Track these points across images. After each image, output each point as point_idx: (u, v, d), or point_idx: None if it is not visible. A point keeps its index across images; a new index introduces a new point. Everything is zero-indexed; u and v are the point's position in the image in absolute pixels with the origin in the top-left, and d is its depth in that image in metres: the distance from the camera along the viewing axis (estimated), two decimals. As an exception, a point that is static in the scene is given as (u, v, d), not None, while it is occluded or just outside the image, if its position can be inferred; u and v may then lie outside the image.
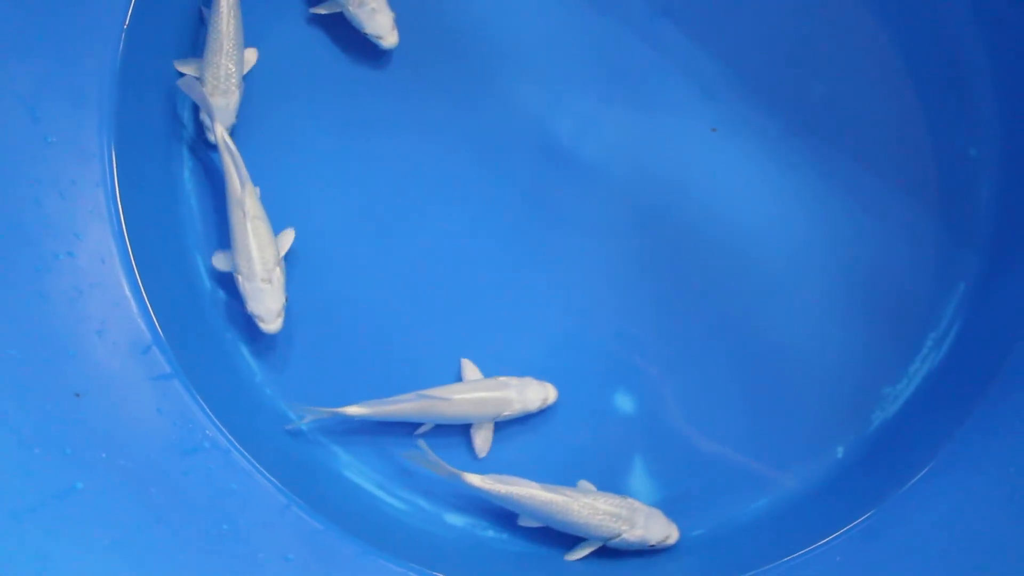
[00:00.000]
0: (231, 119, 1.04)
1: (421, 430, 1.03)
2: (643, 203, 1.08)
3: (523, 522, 1.00)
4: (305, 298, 1.05)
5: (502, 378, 1.02)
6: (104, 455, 0.84)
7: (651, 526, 0.97)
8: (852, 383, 1.06)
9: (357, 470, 1.04)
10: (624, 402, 1.05)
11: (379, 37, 1.06)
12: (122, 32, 1.01)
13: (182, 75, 1.04)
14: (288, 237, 1.03)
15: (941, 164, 1.09)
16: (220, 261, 1.03)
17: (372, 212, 1.08)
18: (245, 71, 1.06)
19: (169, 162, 1.07)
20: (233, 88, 1.04)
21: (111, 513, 0.82)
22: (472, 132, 1.09)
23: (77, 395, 0.87)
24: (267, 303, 0.99)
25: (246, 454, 0.96)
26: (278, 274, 1.00)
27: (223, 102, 1.03)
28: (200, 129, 1.07)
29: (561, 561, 1.01)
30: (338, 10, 1.07)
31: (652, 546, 0.98)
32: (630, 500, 0.98)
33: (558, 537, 1.02)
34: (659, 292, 1.07)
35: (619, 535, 0.97)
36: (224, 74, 1.03)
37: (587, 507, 0.97)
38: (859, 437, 1.05)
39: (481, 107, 1.09)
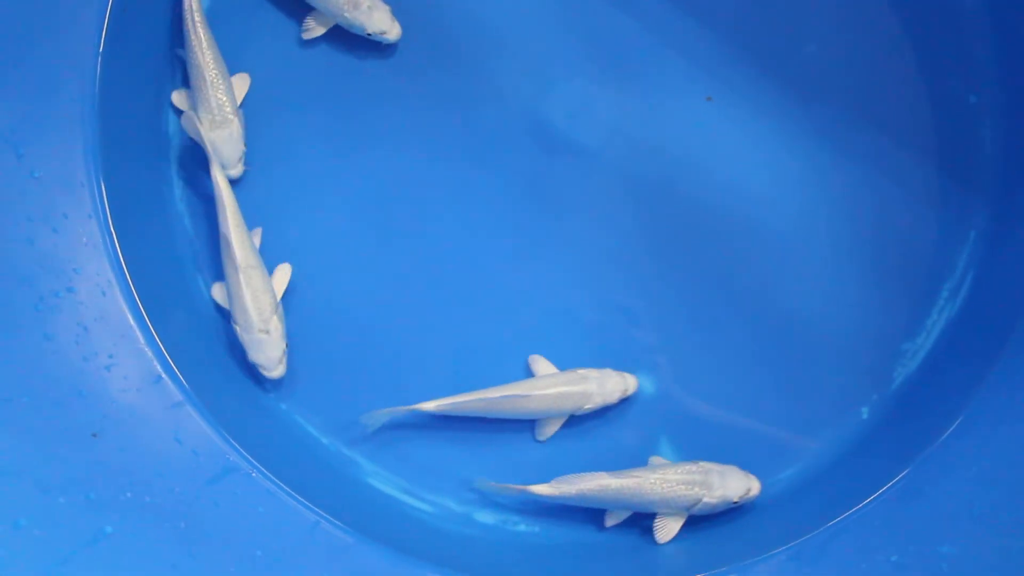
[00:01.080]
0: (238, 148, 1.03)
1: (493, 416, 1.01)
2: (644, 181, 1.07)
3: (610, 522, 0.99)
4: (311, 305, 1.04)
5: (580, 371, 1.00)
6: (129, 494, 0.83)
7: (729, 484, 0.96)
8: (870, 342, 1.05)
9: (382, 478, 1.03)
10: (644, 383, 1.04)
11: (383, 32, 1.04)
12: (97, 57, 0.99)
13: (175, 106, 1.03)
14: (284, 276, 1.02)
15: (940, 113, 1.08)
16: (219, 294, 1.02)
17: (369, 214, 1.06)
18: (240, 97, 1.05)
19: (159, 184, 1.06)
20: (229, 117, 1.02)
21: (144, 554, 0.81)
22: (464, 127, 1.07)
23: (94, 435, 0.85)
24: (267, 352, 0.98)
25: (270, 475, 0.95)
26: (275, 323, 0.99)
27: (224, 133, 1.02)
28: (187, 145, 1.05)
29: (594, 550, 1.00)
30: (331, 24, 1.05)
31: (736, 503, 0.97)
32: (701, 463, 0.97)
33: (594, 526, 1.01)
34: (668, 270, 1.06)
35: (699, 500, 0.96)
36: (216, 105, 1.01)
37: (659, 482, 0.95)
38: (882, 396, 1.05)
39: (471, 100, 1.08)
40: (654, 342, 1.05)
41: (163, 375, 0.95)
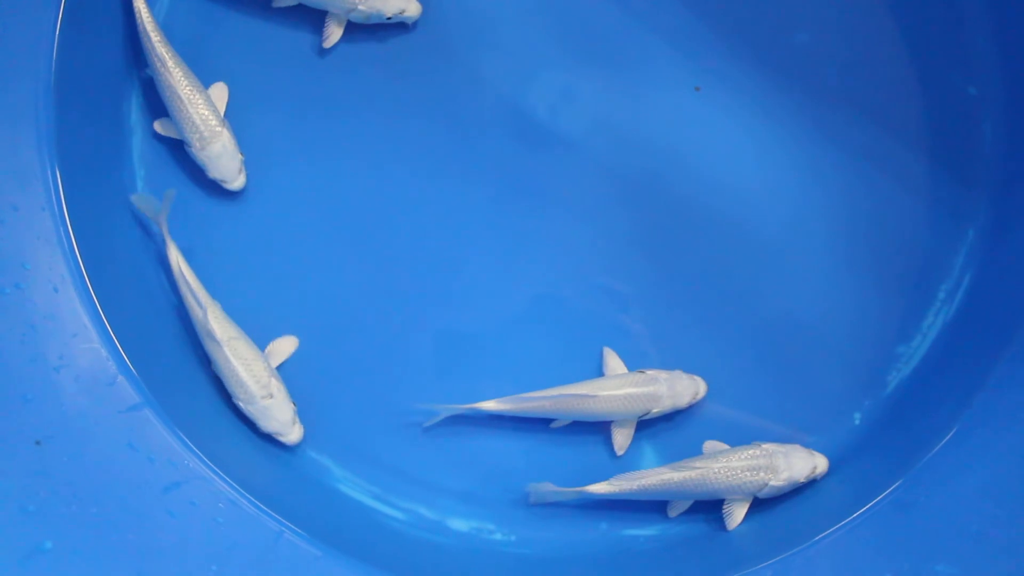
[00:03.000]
0: (236, 159, 0.99)
1: (555, 424, 0.98)
2: (630, 175, 1.03)
3: (674, 512, 0.97)
4: (282, 304, 1.00)
5: (650, 372, 0.97)
6: (73, 507, 0.78)
7: (794, 464, 0.94)
8: (863, 344, 1.02)
9: (352, 484, 0.99)
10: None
11: (403, 11, 1.00)
12: (54, 41, 0.94)
13: (160, 134, 1.01)
14: (285, 346, 0.99)
15: (938, 105, 1.04)
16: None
17: (349, 212, 1.02)
18: (221, 108, 1.01)
19: (120, 174, 1.02)
20: (217, 130, 0.98)
21: (86, 570, 0.76)
22: (444, 122, 1.03)
23: (37, 443, 0.80)
24: (278, 417, 0.95)
25: (230, 481, 0.90)
26: (276, 384, 0.95)
27: (217, 147, 0.98)
28: (150, 134, 1.01)
29: (571, 559, 0.97)
30: (345, 23, 1.02)
31: (802, 483, 0.94)
32: (763, 446, 0.95)
33: (571, 536, 0.98)
34: (656, 268, 1.02)
35: (766, 485, 0.93)
36: (200, 122, 0.98)
37: (724, 470, 0.93)
38: (875, 402, 1.01)
39: (450, 95, 1.03)
40: (642, 343, 1.01)
41: (119, 376, 0.91)
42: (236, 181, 1.00)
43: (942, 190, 1.03)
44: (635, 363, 1.00)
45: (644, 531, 0.99)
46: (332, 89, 1.03)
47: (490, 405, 0.96)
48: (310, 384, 0.99)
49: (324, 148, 1.03)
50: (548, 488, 0.96)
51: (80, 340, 0.90)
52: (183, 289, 0.96)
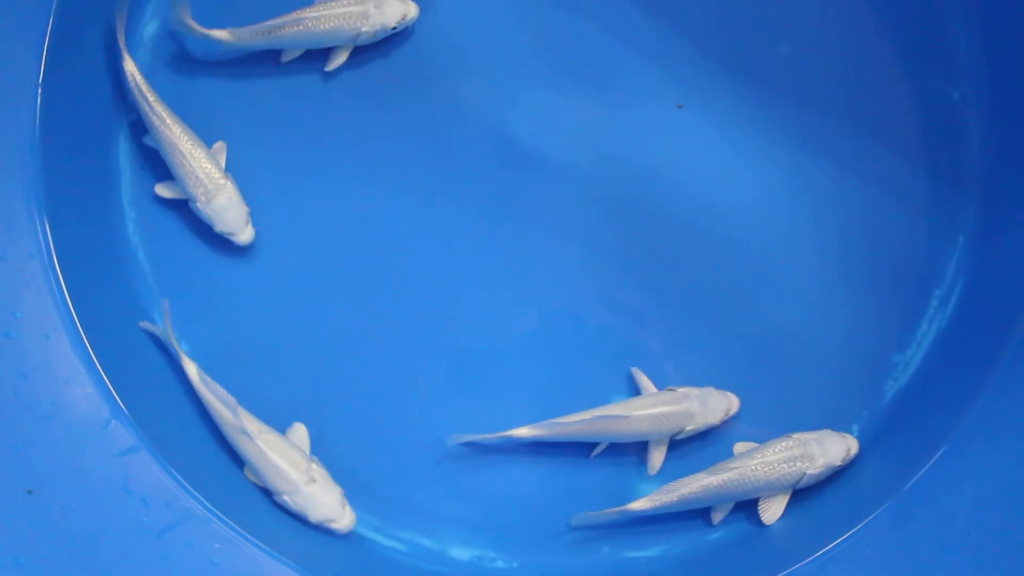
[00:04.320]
0: (242, 211, 0.99)
1: (596, 451, 0.98)
2: (616, 195, 1.03)
3: (717, 518, 0.96)
4: (274, 334, 1.00)
5: (681, 389, 0.97)
6: (67, 556, 0.78)
7: (828, 449, 0.93)
8: (858, 355, 1.01)
9: (351, 516, 0.98)
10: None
11: (404, 16, 1.01)
12: (38, 86, 0.95)
13: (162, 197, 1.01)
14: (301, 433, 0.98)
15: (923, 112, 1.03)
16: (253, 476, 0.96)
17: (334, 241, 1.02)
18: (222, 162, 1.01)
19: (109, 218, 1.02)
20: (221, 182, 0.98)
21: (79, 623, 0.76)
22: (426, 145, 1.03)
23: (29, 492, 0.81)
24: (326, 501, 0.93)
25: (227, 520, 0.90)
26: (316, 468, 0.94)
27: (222, 200, 0.98)
28: (138, 175, 1.01)
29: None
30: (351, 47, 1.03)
31: (839, 467, 0.94)
32: (793, 436, 0.95)
33: (574, 561, 0.97)
34: (645, 287, 1.02)
35: (804, 474, 0.93)
36: (203, 176, 0.98)
37: (761, 467, 0.93)
38: (873, 413, 1.00)
39: (431, 118, 1.03)
40: (634, 361, 1.00)
41: (112, 420, 0.91)
42: (244, 234, 0.99)
43: (931, 197, 1.02)
44: (627, 381, 1.00)
45: (646, 553, 0.98)
46: (315, 122, 1.03)
47: (522, 432, 0.95)
48: (305, 416, 0.99)
49: (309, 181, 1.03)
50: (588, 516, 0.95)
51: (73, 386, 0.90)
52: (207, 396, 0.94)
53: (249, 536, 0.90)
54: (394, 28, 1.01)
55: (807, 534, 0.93)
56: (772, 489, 0.94)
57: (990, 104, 1.02)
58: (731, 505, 0.96)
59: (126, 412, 0.92)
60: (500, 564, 0.98)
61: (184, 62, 1.03)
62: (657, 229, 1.02)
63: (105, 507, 0.84)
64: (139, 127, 1.01)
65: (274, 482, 0.92)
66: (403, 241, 1.02)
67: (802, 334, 1.01)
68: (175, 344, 0.96)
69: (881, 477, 0.93)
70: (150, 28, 1.03)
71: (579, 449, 0.99)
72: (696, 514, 0.98)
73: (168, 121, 0.98)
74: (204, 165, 0.98)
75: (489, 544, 0.98)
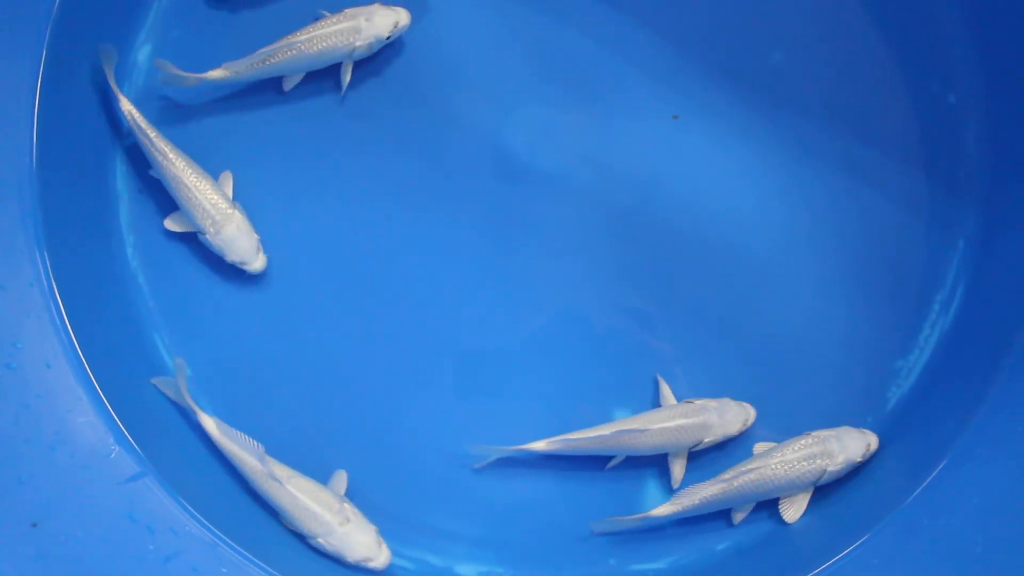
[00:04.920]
0: (252, 239, 0.98)
1: (612, 463, 0.98)
2: (614, 206, 1.03)
3: (738, 518, 0.96)
4: (271, 352, 1.00)
5: (698, 401, 0.97)
6: (72, 587, 0.78)
7: (848, 445, 0.94)
8: (861, 361, 1.01)
9: (357, 536, 0.98)
10: (626, 415, 0.99)
11: (396, 24, 1.00)
12: (33, 114, 0.95)
13: (171, 231, 1.00)
14: (342, 479, 0.97)
15: (919, 116, 1.03)
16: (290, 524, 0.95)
17: (332, 256, 1.02)
18: (229, 191, 1.01)
19: (108, 243, 1.02)
20: (228, 212, 0.98)
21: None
22: (422, 160, 1.03)
23: (34, 525, 0.80)
24: (363, 540, 0.92)
25: (234, 544, 0.90)
26: (349, 508, 0.93)
27: (231, 229, 0.98)
28: (136, 200, 1.01)
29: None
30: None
31: (859, 463, 0.94)
32: (812, 434, 0.95)
33: (580, 574, 0.97)
34: (647, 298, 1.02)
35: (824, 471, 0.93)
36: (211, 207, 0.98)
37: (781, 466, 0.93)
38: (877, 419, 1.00)
39: (427, 132, 1.03)
40: (635, 371, 1.00)
41: (117, 448, 0.91)
42: (256, 262, 0.99)
43: (930, 201, 1.02)
44: (632, 388, 1.00)
45: (653, 565, 0.98)
46: (311, 141, 1.03)
47: (540, 446, 0.95)
48: (307, 434, 0.99)
49: (307, 199, 1.03)
50: (609, 522, 0.95)
51: (75, 415, 0.90)
52: (231, 448, 0.93)
53: (256, 560, 0.90)
54: (388, 38, 1.01)
55: (813, 546, 0.93)
56: (793, 488, 0.94)
57: (986, 107, 1.02)
58: (752, 505, 0.95)
59: (130, 439, 0.92)
60: (507, 580, 0.98)
61: (178, 94, 1.03)
62: (656, 239, 1.02)
63: (111, 536, 0.84)
64: (136, 151, 1.01)
65: (308, 526, 0.92)
66: (402, 257, 1.02)
67: (804, 341, 1.01)
68: (190, 402, 0.95)
69: (886, 485, 0.93)
70: (143, 52, 1.03)
71: (584, 463, 0.99)
72: (703, 525, 0.98)
73: (171, 156, 0.98)
74: (210, 196, 0.97)
75: (495, 560, 0.98)
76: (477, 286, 1.02)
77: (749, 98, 1.03)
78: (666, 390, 0.99)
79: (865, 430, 0.96)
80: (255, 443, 0.92)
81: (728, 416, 0.95)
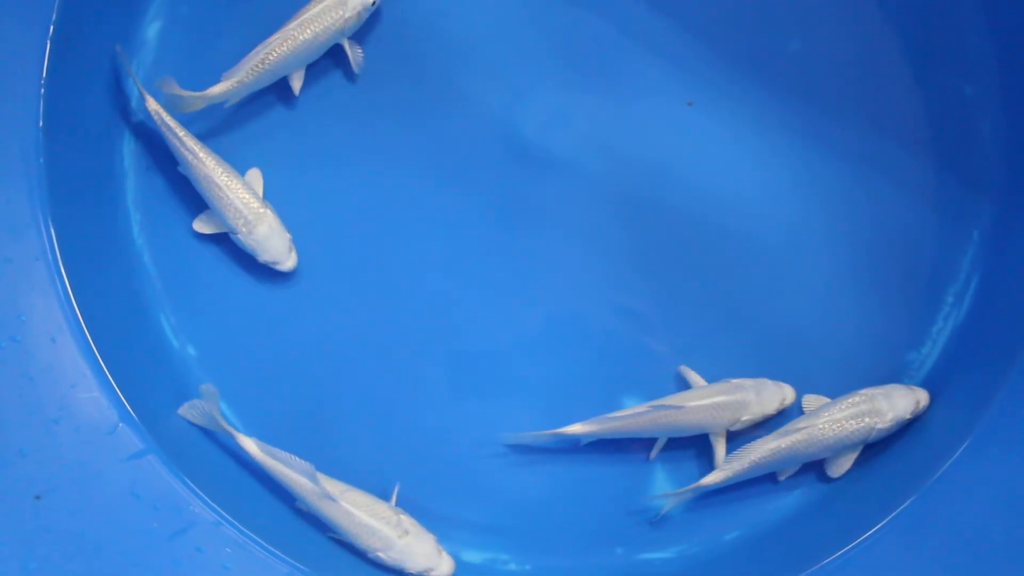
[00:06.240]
0: (284, 238, 0.97)
1: (654, 452, 0.97)
2: (626, 193, 1.02)
3: (782, 476, 0.96)
4: (282, 338, 0.99)
5: (735, 380, 0.96)
6: (77, 562, 0.77)
7: (897, 403, 0.93)
8: (873, 353, 1.00)
9: (361, 520, 0.97)
10: (636, 402, 0.98)
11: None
12: (41, 90, 0.94)
13: (200, 233, 0.99)
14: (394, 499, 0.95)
15: (935, 107, 1.02)
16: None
17: (344, 238, 1.01)
18: (259, 189, 0.99)
19: (114, 220, 1.01)
20: (260, 211, 0.97)
21: (90, 630, 0.75)
22: (434, 143, 1.02)
23: (37, 497, 0.79)
24: (424, 551, 0.91)
25: (238, 525, 0.89)
26: (407, 519, 0.92)
27: (263, 229, 0.96)
28: (143, 177, 1.00)
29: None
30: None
31: (909, 419, 0.93)
32: (861, 392, 0.94)
33: (587, 563, 0.96)
34: (658, 285, 1.01)
35: (873, 429, 0.92)
36: (243, 205, 0.96)
37: (829, 425, 0.92)
38: (889, 411, 0.99)
39: (439, 115, 1.02)
40: (641, 360, 1.00)
41: (120, 424, 0.90)
42: (288, 261, 0.97)
43: (944, 193, 1.01)
44: (643, 378, 0.99)
45: (660, 554, 0.97)
46: (318, 117, 1.02)
47: (576, 428, 0.94)
48: (314, 421, 0.98)
49: (317, 189, 1.02)
50: (664, 495, 0.95)
51: (80, 390, 0.89)
52: (277, 468, 0.90)
53: (259, 540, 0.89)
54: (374, 4, 0.99)
55: (824, 536, 0.92)
56: (842, 447, 0.93)
57: (1002, 99, 1.01)
58: (799, 465, 0.95)
59: (133, 416, 0.91)
60: (513, 567, 0.97)
61: (187, 72, 1.02)
62: (667, 226, 1.01)
63: (114, 512, 0.83)
64: (143, 128, 1.00)
65: (367, 541, 0.90)
66: (412, 243, 1.01)
67: (815, 332, 1.00)
68: (226, 426, 0.92)
69: (898, 478, 0.92)
70: (152, 28, 1.02)
71: (591, 450, 0.98)
72: (709, 514, 0.97)
73: (201, 155, 0.96)
74: (242, 196, 0.96)
75: (501, 547, 0.97)
76: (487, 270, 1.01)
77: (765, 86, 1.03)
78: (695, 376, 0.98)
79: (914, 386, 0.95)
80: (303, 462, 0.90)
81: (765, 395, 0.95)
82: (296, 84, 1.00)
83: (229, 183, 0.96)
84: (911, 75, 1.02)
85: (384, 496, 0.94)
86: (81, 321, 0.92)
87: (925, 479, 0.90)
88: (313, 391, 0.99)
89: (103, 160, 1.00)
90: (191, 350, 0.99)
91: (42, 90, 0.94)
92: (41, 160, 0.94)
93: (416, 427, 0.98)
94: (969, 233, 1.01)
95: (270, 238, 0.96)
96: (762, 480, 0.97)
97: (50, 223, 0.93)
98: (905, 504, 0.89)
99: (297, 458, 0.89)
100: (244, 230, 0.96)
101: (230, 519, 0.89)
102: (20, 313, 0.89)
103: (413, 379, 0.99)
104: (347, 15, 0.98)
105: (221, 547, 0.87)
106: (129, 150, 1.01)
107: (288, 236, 0.97)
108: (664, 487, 0.97)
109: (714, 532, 0.97)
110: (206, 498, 0.90)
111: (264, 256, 0.96)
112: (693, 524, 0.98)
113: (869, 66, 1.02)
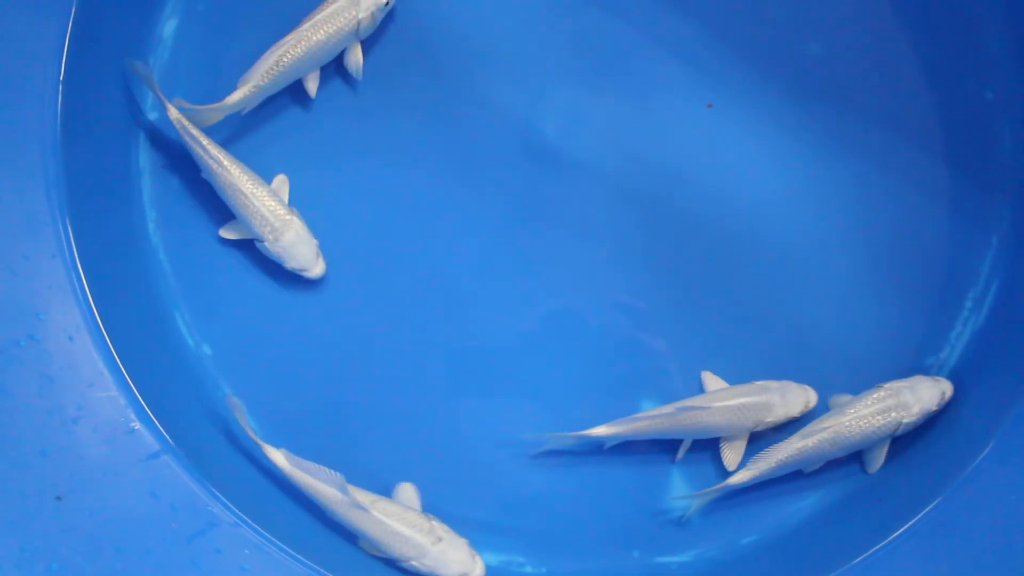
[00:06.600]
0: (311, 244, 0.96)
1: (680, 454, 0.96)
2: (643, 195, 1.01)
3: (809, 469, 0.95)
4: (296, 333, 0.99)
5: (759, 382, 0.96)
6: (98, 563, 0.76)
7: (922, 395, 0.93)
8: (891, 358, 1.00)
9: (377, 522, 0.97)
10: (651, 405, 0.98)
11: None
12: (58, 87, 0.93)
13: (226, 239, 0.98)
14: (409, 491, 0.94)
15: (955, 111, 1.02)
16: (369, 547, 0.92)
17: (360, 235, 1.01)
18: (285, 196, 0.99)
19: (130, 217, 1.00)
20: (287, 218, 0.96)
21: (113, 631, 0.74)
22: (451, 142, 1.02)
23: (58, 498, 0.79)
24: (458, 557, 0.89)
25: (257, 527, 0.89)
26: (438, 525, 0.91)
27: (291, 236, 0.95)
28: (159, 174, 1.00)
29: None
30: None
31: (935, 411, 0.93)
32: (885, 386, 0.94)
33: (603, 565, 0.96)
34: (675, 288, 1.00)
35: (900, 423, 0.92)
36: (269, 213, 0.95)
37: (855, 421, 0.92)
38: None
39: (457, 114, 1.02)
40: (657, 362, 0.99)
41: (138, 424, 0.89)
42: (316, 268, 0.97)
43: (963, 197, 1.01)
44: (662, 380, 0.98)
45: (677, 558, 0.97)
46: (336, 116, 1.02)
47: (600, 430, 0.94)
48: (331, 423, 0.97)
49: (333, 188, 1.01)
50: (688, 496, 0.94)
51: (97, 389, 0.88)
52: (305, 480, 0.89)
53: (278, 542, 0.89)
54: (387, 4, 0.98)
55: (843, 541, 0.92)
56: (869, 443, 0.93)
57: (1022, 103, 1.01)
58: (824, 462, 0.95)
59: (150, 415, 0.90)
60: (529, 569, 0.97)
61: (204, 70, 1.01)
62: (685, 228, 1.01)
63: (134, 513, 0.83)
64: (158, 127, 1.00)
65: (400, 550, 0.88)
66: (429, 244, 1.01)
67: (833, 336, 1.00)
68: (254, 437, 0.91)
69: (919, 483, 0.92)
70: (169, 26, 1.01)
71: (607, 452, 0.97)
72: (727, 517, 0.97)
73: (225, 163, 0.95)
74: (268, 203, 0.95)
75: (518, 549, 0.97)
76: (502, 266, 1.00)
77: (785, 89, 1.02)
78: (715, 380, 0.97)
79: (938, 377, 0.95)
80: (333, 473, 0.88)
81: (790, 397, 0.94)
82: (312, 86, 0.99)
83: (255, 191, 0.95)
84: (931, 78, 1.02)
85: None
86: (98, 318, 0.91)
87: (946, 485, 0.89)
88: (329, 390, 0.99)
89: (120, 158, 1.00)
90: (206, 348, 0.99)
91: (60, 88, 0.93)
92: (59, 158, 0.93)
93: (431, 427, 0.98)
94: (988, 238, 1.01)
95: (296, 245, 0.95)
96: (780, 484, 0.97)
97: (67, 220, 0.93)
98: (927, 509, 0.89)
99: (326, 469, 0.88)
100: (271, 237, 0.95)
101: (248, 521, 0.89)
102: (38, 311, 0.88)
103: (428, 378, 0.99)
104: (360, 16, 0.97)
105: (240, 548, 0.86)
106: (145, 148, 1.01)
107: (315, 242, 0.96)
108: (681, 489, 0.97)
109: (732, 535, 0.97)
110: (224, 499, 0.89)
111: (291, 263, 0.96)
112: (710, 527, 0.97)
113: (889, 69, 1.02)
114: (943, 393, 0.93)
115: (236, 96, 0.96)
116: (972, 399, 0.95)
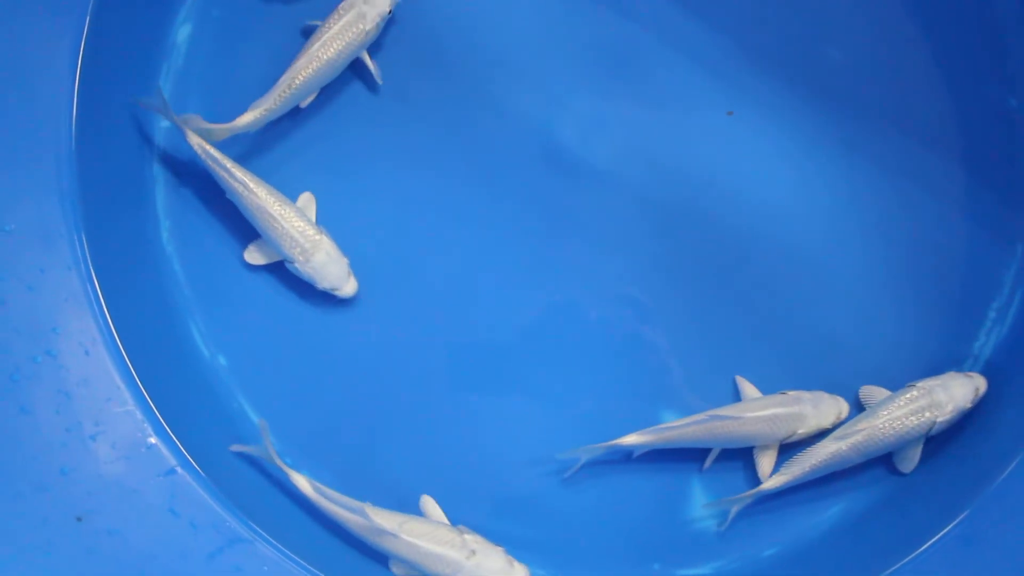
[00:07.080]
0: (342, 263, 0.95)
1: (708, 463, 0.96)
2: (664, 203, 1.00)
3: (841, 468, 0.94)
4: (312, 344, 0.98)
5: (792, 392, 0.95)
6: (120, 584, 0.76)
7: (955, 393, 0.92)
8: (913, 369, 0.99)
9: (396, 535, 0.96)
10: (672, 415, 0.97)
11: None
12: (73, 97, 0.92)
13: (251, 264, 0.97)
14: (431, 504, 0.93)
15: (977, 119, 1.01)
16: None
17: (381, 242, 1.00)
18: (312, 215, 0.97)
19: (144, 227, 0.99)
20: (316, 239, 0.94)
21: (137, 653, 0.74)
22: (472, 151, 1.01)
23: (79, 519, 0.78)
24: (493, 567, 0.88)
25: (276, 544, 0.88)
26: (471, 538, 0.89)
27: (321, 256, 0.94)
28: (172, 185, 0.99)
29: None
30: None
31: (969, 408, 0.92)
32: (918, 385, 0.93)
33: (615, 573, 0.94)
34: (694, 298, 1.00)
35: (934, 423, 0.91)
36: (298, 234, 0.94)
37: (889, 423, 0.91)
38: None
39: (477, 123, 1.01)
40: (677, 373, 0.99)
41: (155, 439, 0.88)
42: (347, 287, 0.95)
43: (986, 206, 1.00)
44: (683, 390, 0.98)
45: (698, 570, 0.96)
46: (356, 124, 1.01)
47: (631, 439, 0.93)
48: (349, 433, 0.97)
49: (350, 197, 1.00)
50: (724, 501, 0.94)
51: (114, 404, 0.88)
52: (329, 507, 0.88)
53: (297, 559, 0.88)
54: (390, 12, 0.98)
55: (867, 555, 0.91)
56: (903, 443, 0.92)
57: (1048, 111, 1.00)
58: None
59: (167, 429, 0.90)
60: (543, 573, 0.96)
61: (218, 77, 1.00)
62: (703, 236, 1.00)
63: (154, 532, 0.82)
64: (171, 136, 0.99)
65: (435, 569, 0.87)
66: (449, 254, 1.00)
67: (855, 345, 0.99)
68: (280, 464, 0.90)
69: (943, 498, 0.91)
70: (183, 32, 1.00)
71: (628, 465, 0.97)
72: (748, 530, 0.96)
73: (251, 185, 0.93)
74: (297, 224, 0.94)
75: (539, 562, 0.96)
76: (520, 275, 1.00)
77: (805, 96, 1.01)
78: (750, 387, 0.97)
79: (971, 373, 0.94)
80: (357, 502, 0.88)
81: (822, 407, 0.94)
82: (306, 102, 0.98)
83: (283, 212, 0.93)
84: (953, 86, 1.01)
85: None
86: (113, 330, 0.91)
87: (971, 500, 0.89)
88: (347, 400, 0.98)
89: (133, 167, 0.99)
90: (222, 359, 0.98)
91: (74, 98, 0.92)
92: (73, 169, 0.92)
93: (451, 438, 0.97)
94: (1013, 248, 1.00)
95: (327, 265, 0.94)
96: (802, 495, 0.96)
97: (82, 231, 0.92)
98: (952, 524, 0.88)
99: (349, 498, 0.88)
100: (301, 258, 0.94)
101: (268, 538, 0.88)
102: (54, 325, 0.87)
103: (447, 388, 0.98)
104: (368, 28, 0.96)
105: (260, 566, 0.85)
106: (158, 157, 1.00)
107: (345, 261, 0.95)
108: (702, 499, 0.96)
109: (753, 548, 0.96)
110: (243, 517, 0.88)
111: (323, 284, 0.94)
112: (731, 540, 0.96)
113: (910, 77, 1.01)
114: (976, 389, 0.92)
115: (248, 118, 0.95)
116: (998, 411, 0.94)
